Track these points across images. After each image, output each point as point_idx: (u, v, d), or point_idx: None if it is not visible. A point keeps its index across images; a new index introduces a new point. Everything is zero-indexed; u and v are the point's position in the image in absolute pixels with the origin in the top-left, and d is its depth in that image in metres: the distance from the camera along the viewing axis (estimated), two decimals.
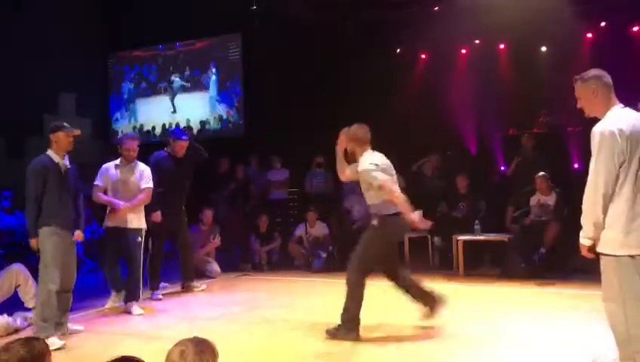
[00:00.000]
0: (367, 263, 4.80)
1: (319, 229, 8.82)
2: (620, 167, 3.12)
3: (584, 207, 3.23)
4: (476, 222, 7.82)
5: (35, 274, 7.53)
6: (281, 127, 10.41)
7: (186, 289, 7.07)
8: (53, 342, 4.54)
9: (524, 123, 9.69)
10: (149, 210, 6.35)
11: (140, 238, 6.01)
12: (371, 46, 10.42)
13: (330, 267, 8.25)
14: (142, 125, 13.17)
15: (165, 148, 7.01)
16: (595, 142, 3.19)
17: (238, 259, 8.98)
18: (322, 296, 6.70)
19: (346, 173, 5.24)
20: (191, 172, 7.07)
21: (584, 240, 3.25)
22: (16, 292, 5.61)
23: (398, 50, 11.08)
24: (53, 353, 3.12)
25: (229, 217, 9.54)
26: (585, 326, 4.79)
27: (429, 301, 4.96)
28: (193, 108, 12.68)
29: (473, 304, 5.95)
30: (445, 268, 8.07)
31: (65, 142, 5.02)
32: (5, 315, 5.26)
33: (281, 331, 5.08)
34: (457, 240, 7.75)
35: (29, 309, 5.48)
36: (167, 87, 12.92)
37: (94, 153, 12.80)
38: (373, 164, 4.86)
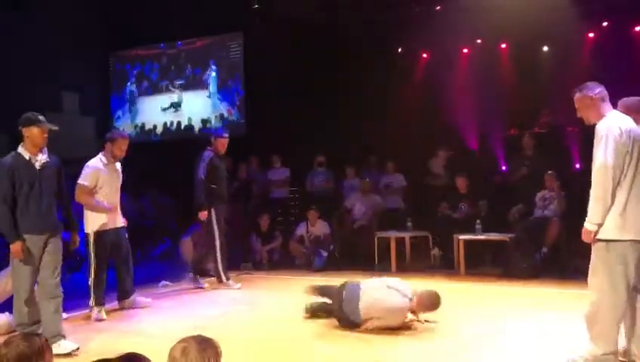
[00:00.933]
0: None
1: (320, 228, 8.83)
2: (623, 159, 3.45)
3: (593, 193, 3.49)
4: (477, 221, 7.82)
5: None
6: (282, 126, 10.41)
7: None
8: (65, 346, 4.43)
9: (526, 123, 9.68)
10: (199, 208, 6.87)
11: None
12: (372, 45, 10.42)
13: (331, 266, 8.26)
14: (143, 124, 13.17)
15: (209, 148, 7.23)
16: (600, 136, 3.50)
17: (240, 258, 8.98)
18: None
19: None
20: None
21: (591, 225, 3.49)
22: None
23: (400, 50, 11.07)
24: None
25: (231, 216, 9.54)
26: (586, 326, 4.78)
27: None
28: (194, 106, 12.68)
29: (474, 303, 5.95)
30: (446, 267, 8.07)
31: (39, 138, 4.56)
32: (7, 313, 5.26)
33: (282, 330, 5.09)
34: (458, 240, 7.75)
35: None
36: (170, 85, 12.92)
37: (97, 151, 12.84)
38: None
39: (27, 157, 4.52)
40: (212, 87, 12.48)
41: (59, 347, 4.35)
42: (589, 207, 3.50)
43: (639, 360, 3.58)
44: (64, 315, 5.01)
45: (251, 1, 10.47)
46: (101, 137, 13.33)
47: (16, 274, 4.55)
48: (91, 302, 5.73)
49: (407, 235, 8.45)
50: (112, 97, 13.51)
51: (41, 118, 4.61)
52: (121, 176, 6.16)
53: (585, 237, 3.54)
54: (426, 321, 4.97)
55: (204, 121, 12.44)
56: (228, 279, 7.19)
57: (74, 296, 5.64)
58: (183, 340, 2.16)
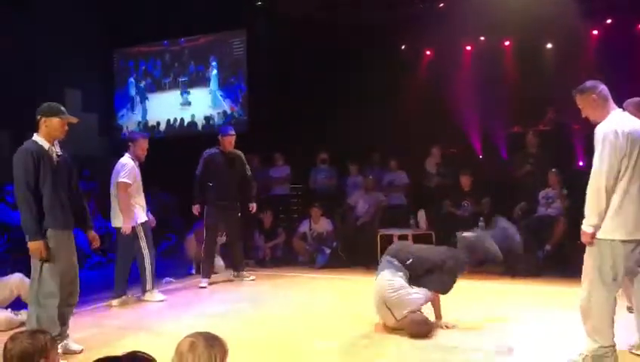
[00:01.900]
0: None
1: (323, 225, 8.83)
2: (620, 162, 3.51)
3: (588, 197, 3.60)
4: (480, 218, 7.81)
5: None
6: (285, 123, 10.41)
7: (237, 277, 7.46)
8: (69, 346, 4.34)
9: (529, 120, 9.67)
10: (193, 202, 6.99)
11: None
12: (376, 43, 10.40)
13: (333, 263, 8.26)
14: (146, 121, 13.20)
15: (217, 145, 7.26)
16: (598, 140, 3.58)
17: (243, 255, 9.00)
18: (326, 292, 6.72)
19: None
20: (242, 166, 7.38)
21: (587, 227, 3.59)
22: None
23: (403, 47, 11.07)
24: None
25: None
26: None
27: None
28: (198, 103, 12.70)
29: (476, 301, 5.94)
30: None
31: (59, 130, 4.30)
32: (9, 310, 5.29)
33: (284, 327, 5.10)
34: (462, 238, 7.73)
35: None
36: (173, 82, 12.94)
37: (100, 148, 12.89)
38: None
39: (46, 147, 4.26)
40: (215, 84, 12.49)
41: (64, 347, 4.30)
42: (585, 208, 3.61)
43: None
44: None
45: None
46: (104, 134, 13.42)
47: (42, 276, 4.19)
48: (149, 286, 6.28)
49: (409, 232, 8.45)
50: (115, 94, 13.54)
51: (63, 108, 4.35)
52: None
53: (583, 239, 3.64)
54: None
55: (207, 118, 12.46)
56: (207, 277, 7.12)
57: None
58: (191, 335, 2.18)
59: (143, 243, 6.23)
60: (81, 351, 4.35)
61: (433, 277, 4.78)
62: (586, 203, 3.60)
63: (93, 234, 4.65)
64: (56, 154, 4.33)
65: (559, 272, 7.12)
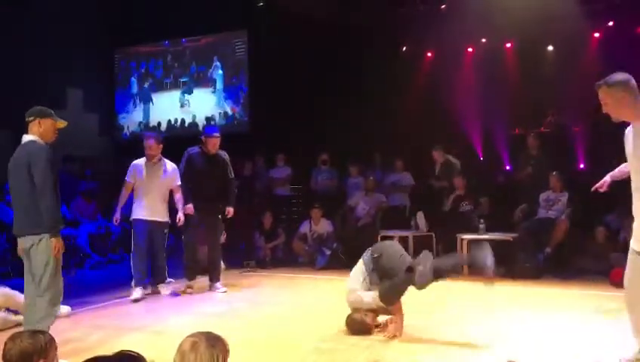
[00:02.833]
0: None
1: (323, 226, 8.83)
2: None
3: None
4: (481, 221, 7.82)
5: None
6: (286, 124, 10.42)
7: (210, 287, 6.94)
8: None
9: (530, 122, 9.67)
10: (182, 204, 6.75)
11: None
12: (377, 44, 10.41)
13: (334, 264, 8.26)
14: (148, 121, 13.20)
15: (200, 144, 6.90)
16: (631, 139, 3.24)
17: (243, 256, 9.00)
18: (325, 293, 6.71)
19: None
20: (224, 169, 6.96)
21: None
22: None
23: (404, 49, 11.07)
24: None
25: (234, 214, 9.54)
26: (589, 327, 4.78)
27: None
28: (199, 104, 12.70)
29: (477, 303, 5.94)
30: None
31: (52, 131, 4.40)
32: (4, 309, 5.29)
33: (284, 328, 5.09)
34: (462, 239, 7.74)
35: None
36: (174, 82, 12.95)
37: (101, 148, 12.90)
38: None
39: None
40: (216, 84, 12.50)
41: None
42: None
43: None
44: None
45: None
46: (104, 134, 13.42)
47: (55, 272, 4.18)
48: (132, 282, 6.44)
49: (410, 234, 8.45)
50: (117, 94, 13.55)
51: (52, 111, 4.51)
52: (164, 173, 6.61)
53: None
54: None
55: (209, 119, 12.47)
56: (191, 279, 6.84)
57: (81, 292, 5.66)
58: (193, 335, 2.18)
59: (133, 240, 6.51)
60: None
61: (385, 283, 4.71)
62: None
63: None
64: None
65: (559, 274, 7.12)
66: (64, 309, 5.04)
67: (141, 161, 6.57)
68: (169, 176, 6.63)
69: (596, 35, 9.80)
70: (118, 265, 9.05)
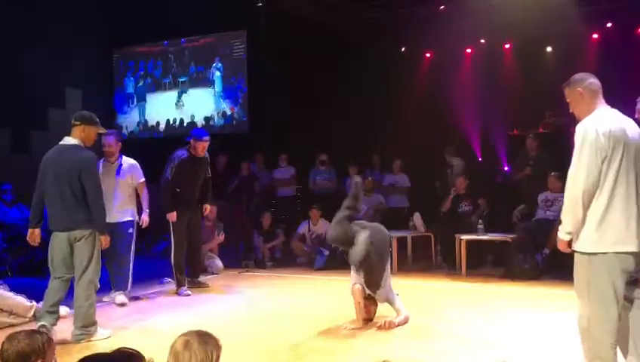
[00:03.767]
0: None
1: (322, 227, 8.82)
2: (602, 164, 3.12)
3: (565, 202, 3.27)
4: (479, 221, 7.82)
5: (37, 268, 7.57)
6: (285, 125, 10.42)
7: (191, 283, 6.97)
8: (102, 333, 4.79)
9: (529, 123, 9.67)
10: (165, 210, 6.57)
11: None
12: (376, 45, 10.40)
13: (332, 264, 8.25)
14: (146, 120, 13.20)
15: (187, 148, 6.77)
16: (577, 140, 3.20)
17: (241, 256, 9.00)
18: (324, 293, 6.71)
19: None
20: (205, 169, 6.98)
21: (563, 234, 3.26)
22: None
23: (403, 49, 11.07)
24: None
25: (233, 214, 9.56)
26: None
27: None
28: (198, 104, 12.69)
29: (475, 304, 5.94)
30: (448, 267, 8.07)
31: (93, 138, 4.91)
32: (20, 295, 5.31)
33: (283, 328, 5.09)
34: (460, 240, 7.74)
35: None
36: (173, 82, 12.94)
37: (100, 148, 12.86)
38: None
39: None
40: (215, 84, 12.49)
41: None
42: (561, 216, 3.30)
43: None
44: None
45: None
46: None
47: (97, 266, 4.80)
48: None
49: (408, 234, 8.45)
50: (116, 94, 13.54)
51: (97, 119, 4.95)
52: (118, 173, 6.28)
53: (559, 246, 3.33)
54: None
55: (207, 119, 12.45)
56: (180, 286, 6.72)
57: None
58: (185, 334, 2.18)
59: None
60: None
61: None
62: (563, 209, 3.28)
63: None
64: None
65: (558, 275, 7.12)
66: (62, 310, 5.05)
67: (99, 161, 6.05)
68: (127, 175, 6.31)
69: (595, 36, 9.81)
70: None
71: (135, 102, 13.34)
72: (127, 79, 13.44)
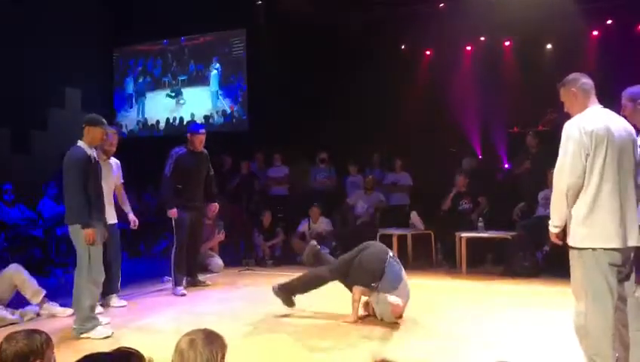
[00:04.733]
0: None
1: (322, 225, 8.83)
2: (585, 161, 3.22)
3: (552, 197, 3.37)
4: (480, 219, 7.82)
5: (38, 268, 7.57)
6: (284, 123, 10.41)
7: (191, 284, 6.97)
8: (101, 332, 4.82)
9: (529, 121, 9.66)
10: (165, 206, 6.52)
11: None
12: (376, 43, 10.40)
13: None
14: (146, 119, 13.19)
15: (185, 144, 6.76)
16: (563, 137, 3.30)
17: (242, 254, 9.00)
18: (324, 291, 6.69)
19: None
20: (207, 165, 6.95)
21: (552, 228, 3.40)
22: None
23: (403, 47, 11.06)
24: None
25: (233, 212, 9.55)
26: None
27: None
28: (197, 102, 12.69)
29: (475, 301, 5.94)
30: (448, 265, 8.07)
31: (99, 137, 5.10)
32: (1, 307, 5.30)
33: (283, 326, 5.09)
34: (460, 238, 7.74)
35: (36, 305, 5.55)
36: (173, 81, 12.94)
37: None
38: None
39: (88, 153, 4.96)
40: (215, 83, 12.48)
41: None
42: (550, 209, 3.42)
43: None
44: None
45: None
46: None
47: (90, 261, 4.89)
48: None
49: (409, 232, 8.45)
50: (115, 93, 13.54)
51: (104, 120, 5.13)
52: (116, 173, 6.22)
53: (551, 237, 3.47)
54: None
55: (207, 117, 12.45)
56: (177, 285, 6.66)
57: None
58: (190, 333, 2.17)
59: None
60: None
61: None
62: (551, 203, 3.39)
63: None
64: (94, 159, 5.04)
65: (558, 273, 7.10)
66: (66, 310, 5.09)
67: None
68: (117, 175, 6.27)
69: (595, 33, 9.80)
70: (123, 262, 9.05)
71: (135, 101, 13.35)
72: (127, 78, 13.44)
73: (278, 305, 5.98)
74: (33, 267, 7.90)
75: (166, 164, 6.68)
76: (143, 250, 9.91)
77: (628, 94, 3.86)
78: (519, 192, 8.51)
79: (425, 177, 9.71)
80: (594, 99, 3.46)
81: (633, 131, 3.45)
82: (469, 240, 7.69)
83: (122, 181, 6.34)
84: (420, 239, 8.54)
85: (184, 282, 6.80)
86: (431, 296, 6.25)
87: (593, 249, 3.20)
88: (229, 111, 12.31)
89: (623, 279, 3.29)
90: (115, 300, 6.11)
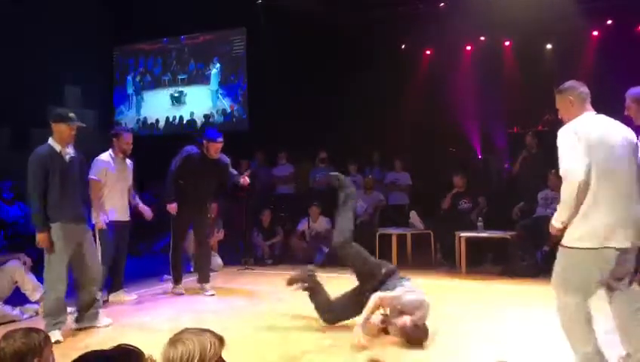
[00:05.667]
0: None
1: (322, 224, 8.83)
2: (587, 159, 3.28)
3: (562, 194, 3.37)
4: (479, 218, 7.82)
5: (37, 266, 7.56)
6: (284, 122, 10.40)
7: (200, 288, 6.73)
8: (53, 334, 4.50)
9: (529, 121, 9.67)
10: (165, 200, 6.50)
11: None
12: (376, 42, 10.40)
13: (332, 262, 8.24)
14: (145, 118, 13.19)
15: (199, 146, 6.58)
16: (559, 143, 3.36)
17: (241, 253, 9.00)
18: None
19: None
20: (224, 173, 6.71)
21: (557, 222, 3.41)
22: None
23: (403, 47, 11.06)
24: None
25: (233, 211, 9.55)
26: None
27: None
28: (197, 101, 12.68)
29: (475, 301, 5.94)
30: (447, 264, 8.07)
31: (66, 134, 4.78)
32: (1, 303, 5.31)
33: (283, 325, 5.09)
34: (460, 237, 7.74)
35: (35, 302, 5.54)
36: (173, 79, 12.94)
37: (99, 144, 12.85)
38: None
39: (58, 150, 4.75)
40: (215, 82, 12.48)
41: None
42: (558, 206, 3.44)
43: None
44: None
45: None
46: (103, 131, 13.37)
47: (50, 263, 4.68)
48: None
49: (408, 232, 8.45)
50: (115, 91, 13.53)
51: (71, 115, 4.84)
52: (131, 172, 6.32)
53: (551, 230, 3.48)
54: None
55: (207, 116, 12.45)
56: (177, 282, 6.67)
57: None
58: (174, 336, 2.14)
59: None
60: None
61: None
62: (560, 202, 3.40)
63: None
64: (69, 156, 4.79)
65: None
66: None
67: (106, 156, 6.09)
68: (131, 172, 6.33)
69: (595, 33, 9.80)
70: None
71: (134, 100, 13.34)
72: (127, 77, 13.43)
73: (277, 303, 5.98)
74: (33, 266, 7.92)
75: (174, 160, 6.60)
76: (142, 248, 9.91)
77: (632, 95, 3.90)
78: (519, 192, 8.51)
79: (424, 177, 9.71)
80: (589, 106, 3.53)
81: (632, 136, 3.49)
82: (469, 239, 7.69)
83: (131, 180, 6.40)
84: (419, 239, 8.54)
85: (182, 280, 6.76)
86: (430, 296, 6.25)
87: (582, 249, 3.29)
88: (229, 110, 12.30)
89: (621, 277, 3.40)
90: (124, 296, 6.20)
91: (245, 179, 6.68)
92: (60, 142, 4.77)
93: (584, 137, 3.28)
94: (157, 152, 8.15)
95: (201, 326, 2.24)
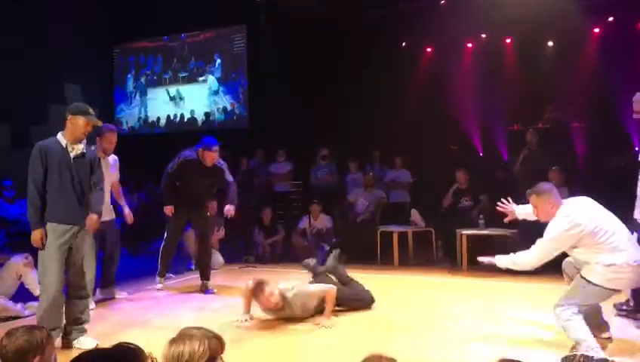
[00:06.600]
0: None
1: (323, 222, 8.83)
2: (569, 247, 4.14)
3: (519, 257, 4.56)
4: (480, 216, 7.81)
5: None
6: (285, 120, 10.40)
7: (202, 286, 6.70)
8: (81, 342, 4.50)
9: (529, 118, 9.65)
10: (165, 202, 6.50)
11: None
12: (376, 39, 10.39)
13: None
14: (146, 116, 13.19)
15: (196, 151, 6.44)
16: (551, 230, 4.05)
17: (242, 251, 9.00)
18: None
19: None
20: (219, 178, 6.60)
21: (502, 262, 4.64)
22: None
23: (404, 44, 11.04)
24: None
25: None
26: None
27: None
28: (198, 99, 12.68)
29: (476, 299, 5.94)
30: (449, 262, 8.06)
31: (81, 128, 4.43)
32: (4, 298, 5.32)
33: (284, 323, 5.09)
34: (461, 235, 7.73)
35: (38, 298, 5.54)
36: (174, 77, 12.94)
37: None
38: None
39: (64, 144, 4.43)
40: (215, 80, 12.47)
41: (78, 342, 4.49)
42: (515, 256, 4.47)
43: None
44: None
45: None
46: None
47: (43, 264, 4.37)
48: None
49: (409, 229, 8.45)
50: (115, 89, 13.53)
51: (91, 110, 4.54)
52: (115, 170, 6.22)
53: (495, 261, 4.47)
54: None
55: (207, 114, 12.45)
56: (160, 276, 6.71)
57: None
58: (181, 330, 2.15)
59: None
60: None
61: None
62: (518, 254, 4.37)
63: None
64: (77, 152, 4.45)
65: (559, 271, 7.10)
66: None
67: None
68: (113, 172, 6.19)
69: (596, 30, 9.77)
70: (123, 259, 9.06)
71: (135, 98, 13.34)
72: (128, 75, 13.43)
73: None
74: (34, 264, 7.94)
75: (170, 162, 6.56)
76: (142, 247, 9.90)
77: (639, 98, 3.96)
78: (520, 190, 8.49)
79: (425, 174, 9.70)
80: (559, 197, 4.09)
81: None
82: (470, 237, 7.69)
83: (119, 177, 6.32)
84: (420, 236, 8.53)
85: (165, 276, 6.81)
86: (431, 293, 6.26)
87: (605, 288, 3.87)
88: (229, 108, 12.30)
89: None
90: (116, 291, 6.23)
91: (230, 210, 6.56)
92: (70, 137, 4.42)
93: (573, 227, 3.94)
94: (158, 150, 8.15)
95: (202, 325, 2.24)
